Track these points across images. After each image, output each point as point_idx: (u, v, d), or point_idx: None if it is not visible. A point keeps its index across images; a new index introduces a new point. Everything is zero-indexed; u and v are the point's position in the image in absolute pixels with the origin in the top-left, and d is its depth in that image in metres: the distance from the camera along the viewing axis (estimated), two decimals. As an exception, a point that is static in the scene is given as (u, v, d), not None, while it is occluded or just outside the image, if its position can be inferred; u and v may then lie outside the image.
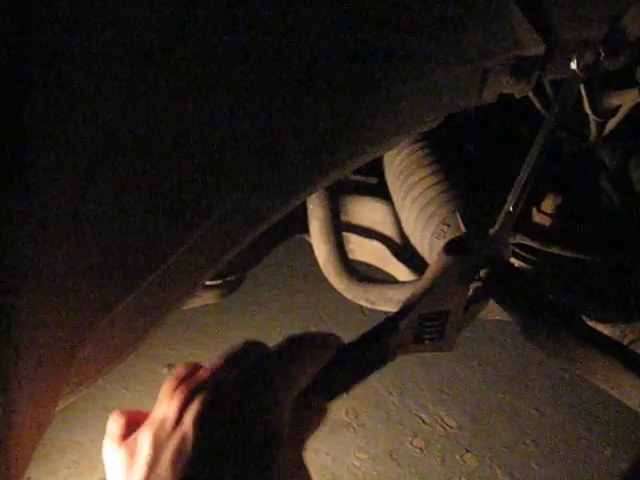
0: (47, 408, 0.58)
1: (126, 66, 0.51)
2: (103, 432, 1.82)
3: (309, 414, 0.68)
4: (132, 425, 0.66)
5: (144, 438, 0.62)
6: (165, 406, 0.64)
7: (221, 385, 0.63)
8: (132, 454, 0.62)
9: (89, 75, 0.49)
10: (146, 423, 0.64)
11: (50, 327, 0.53)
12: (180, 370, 0.70)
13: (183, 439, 0.58)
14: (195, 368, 0.69)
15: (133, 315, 0.71)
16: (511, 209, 0.85)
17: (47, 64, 0.45)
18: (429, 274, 0.81)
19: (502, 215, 0.86)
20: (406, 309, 0.79)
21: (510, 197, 0.86)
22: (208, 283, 1.35)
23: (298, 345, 0.70)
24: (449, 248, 0.82)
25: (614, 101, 1.12)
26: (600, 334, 0.81)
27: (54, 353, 0.55)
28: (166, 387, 0.68)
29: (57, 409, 0.64)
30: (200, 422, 0.59)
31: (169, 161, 0.59)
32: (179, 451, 0.58)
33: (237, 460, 0.58)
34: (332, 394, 0.73)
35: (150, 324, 0.77)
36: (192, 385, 0.64)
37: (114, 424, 0.67)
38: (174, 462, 0.57)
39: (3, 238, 0.45)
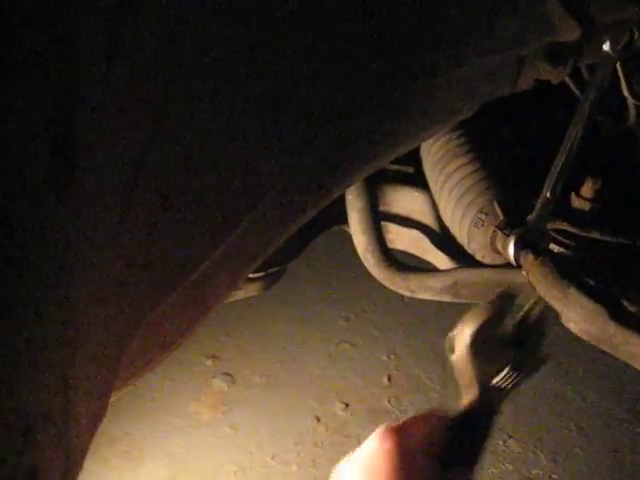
0: (101, 401, 0.60)
1: (169, 70, 0.52)
2: (151, 423, 1.86)
3: None
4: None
5: None
6: None
7: None
8: None
9: (132, 79, 0.50)
10: None
11: (103, 323, 0.55)
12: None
13: None
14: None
15: (180, 309, 0.72)
16: (549, 195, 0.85)
17: (93, 72, 0.47)
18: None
19: (540, 202, 0.86)
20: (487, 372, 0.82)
21: (547, 183, 0.86)
22: (250, 276, 1.37)
23: None
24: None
25: (653, 84, 1.11)
26: (640, 319, 0.81)
27: (106, 348, 0.57)
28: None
29: (110, 402, 0.66)
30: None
31: (212, 160, 0.61)
32: None
33: None
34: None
35: (196, 318, 0.79)
36: None
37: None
38: None
39: (58, 240, 0.47)
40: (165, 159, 0.57)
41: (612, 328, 0.79)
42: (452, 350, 0.90)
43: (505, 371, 0.82)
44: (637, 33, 0.85)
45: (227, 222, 0.68)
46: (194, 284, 0.70)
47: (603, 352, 2.21)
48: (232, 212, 0.67)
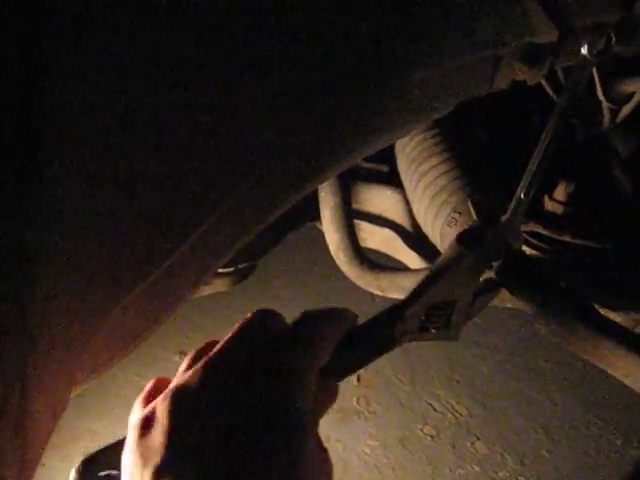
0: (61, 394, 0.59)
1: (139, 57, 0.51)
2: (116, 419, 1.84)
3: (323, 395, 0.64)
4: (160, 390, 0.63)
5: (161, 410, 0.59)
6: (183, 378, 0.61)
7: (236, 364, 0.60)
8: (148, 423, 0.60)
9: (100, 66, 0.49)
10: (164, 393, 0.61)
11: (64, 314, 0.53)
12: (199, 347, 0.68)
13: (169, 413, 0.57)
14: (212, 344, 0.67)
15: (146, 303, 0.71)
16: (522, 196, 0.85)
17: (59, 56, 0.45)
18: (440, 263, 0.81)
19: (513, 202, 0.86)
20: (414, 297, 0.79)
21: (521, 184, 0.86)
22: (220, 271, 1.36)
23: (318, 321, 0.66)
24: (462, 239, 0.82)
25: (628, 88, 1.11)
26: (612, 322, 0.81)
27: (68, 340, 0.56)
28: (185, 360, 0.66)
29: (71, 396, 0.64)
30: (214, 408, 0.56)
31: (181, 150, 0.60)
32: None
33: (262, 449, 0.53)
34: (340, 375, 0.72)
35: (163, 312, 0.77)
36: (208, 362, 0.61)
37: (146, 388, 0.66)
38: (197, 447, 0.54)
39: (19, 228, 0.45)
40: (133, 146, 0.56)
41: (582, 331, 0.78)
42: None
43: (439, 311, 0.80)
44: (614, 38, 0.85)
45: (197, 214, 0.67)
46: (161, 277, 0.68)
47: (573, 357, 2.24)
48: (203, 204, 0.66)
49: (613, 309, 1.13)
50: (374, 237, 1.44)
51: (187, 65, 0.56)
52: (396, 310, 0.78)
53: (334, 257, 1.32)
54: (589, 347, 0.79)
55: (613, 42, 0.84)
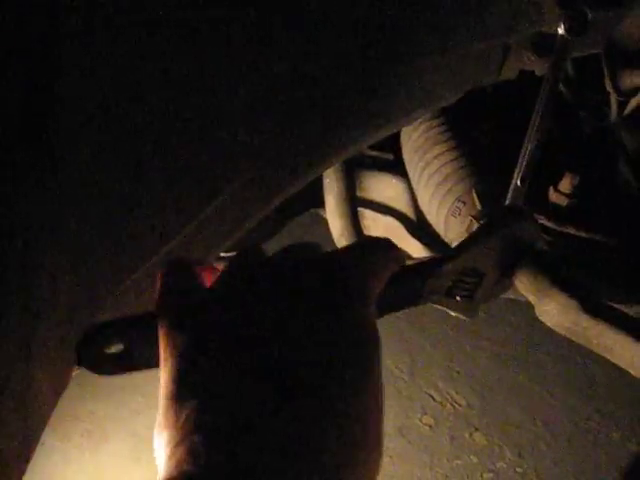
0: (63, 373, 0.59)
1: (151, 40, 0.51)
2: (115, 401, 1.84)
3: None
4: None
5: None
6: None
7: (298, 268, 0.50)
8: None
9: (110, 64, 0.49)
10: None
11: (69, 294, 0.53)
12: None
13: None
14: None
15: (148, 284, 0.71)
16: (519, 184, 0.85)
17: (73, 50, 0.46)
18: (482, 228, 0.80)
19: (511, 191, 0.86)
20: (452, 256, 0.78)
21: (516, 171, 0.86)
22: (223, 255, 1.35)
23: (384, 243, 0.57)
24: (506, 211, 0.82)
25: (636, 80, 1.11)
26: (616, 311, 0.81)
27: (72, 319, 0.56)
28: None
29: (72, 375, 0.65)
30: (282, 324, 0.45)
31: (184, 135, 0.60)
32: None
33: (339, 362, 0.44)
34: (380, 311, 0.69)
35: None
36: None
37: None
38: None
39: (24, 205, 0.45)
40: (140, 130, 0.56)
41: (585, 321, 0.78)
42: None
43: (468, 279, 0.80)
44: (589, 12, 0.84)
45: (201, 197, 0.67)
46: (162, 260, 0.68)
47: (573, 350, 2.24)
48: (209, 185, 0.66)
49: (616, 301, 1.13)
50: (377, 225, 1.44)
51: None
52: (432, 264, 0.76)
53: (337, 244, 1.32)
54: (592, 337, 0.78)
55: (589, 17, 0.83)
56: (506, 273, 0.85)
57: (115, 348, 0.51)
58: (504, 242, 0.80)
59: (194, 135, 0.62)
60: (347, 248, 0.60)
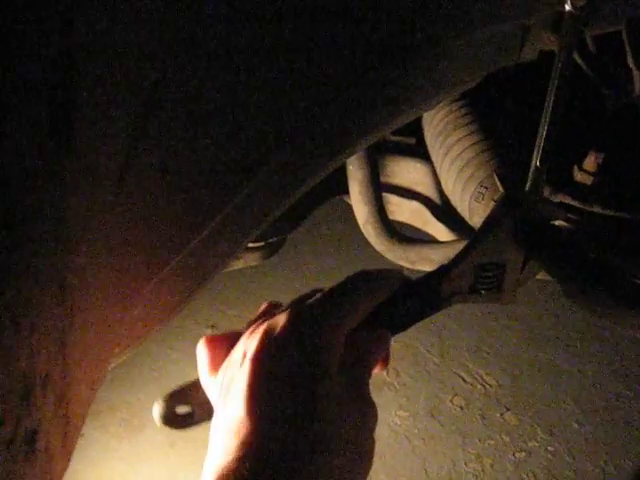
0: (100, 366, 0.61)
1: (170, 29, 0.52)
2: (150, 391, 1.87)
3: (370, 345, 0.70)
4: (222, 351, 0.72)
5: (222, 372, 0.69)
6: (242, 342, 0.69)
7: (275, 324, 0.67)
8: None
9: (132, 37, 0.50)
10: (228, 357, 0.70)
11: (102, 289, 0.55)
12: (261, 309, 0.76)
13: (244, 375, 0.63)
14: (272, 307, 0.75)
15: (180, 276, 0.72)
16: (538, 164, 0.85)
17: (92, 27, 0.46)
18: (483, 225, 0.82)
19: (531, 172, 0.86)
20: (459, 257, 0.80)
21: (535, 152, 0.86)
22: (250, 245, 1.37)
23: (356, 281, 0.73)
24: (502, 201, 0.83)
25: (660, 54, 1.09)
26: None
27: (106, 314, 0.57)
28: (248, 325, 0.73)
29: (109, 368, 0.66)
30: (255, 359, 0.64)
31: (213, 123, 0.60)
32: (245, 387, 0.62)
33: (288, 394, 0.61)
34: (394, 329, 0.76)
35: (195, 285, 0.79)
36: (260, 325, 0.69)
37: (202, 356, 0.73)
38: (241, 398, 0.62)
39: (55, 201, 0.46)
40: (164, 126, 0.57)
41: (611, 299, 0.79)
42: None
43: (488, 273, 0.82)
44: None
45: (227, 189, 0.68)
46: (193, 252, 0.70)
47: (603, 328, 2.23)
48: (232, 179, 0.67)
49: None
50: (402, 210, 1.44)
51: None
52: (442, 271, 0.79)
53: (363, 230, 1.33)
54: (621, 316, 0.79)
55: None
56: (532, 256, 0.85)
57: (183, 410, 0.74)
58: (512, 231, 0.81)
59: (218, 127, 0.63)
60: (330, 292, 0.72)
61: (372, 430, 0.67)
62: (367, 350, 0.69)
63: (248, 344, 0.67)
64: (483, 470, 1.91)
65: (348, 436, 0.63)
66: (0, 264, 0.41)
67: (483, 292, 0.83)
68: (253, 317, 0.74)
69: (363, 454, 0.65)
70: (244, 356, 0.66)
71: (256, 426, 0.60)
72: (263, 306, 0.76)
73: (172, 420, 0.74)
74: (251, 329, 0.70)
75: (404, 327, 0.77)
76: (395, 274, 0.76)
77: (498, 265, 0.82)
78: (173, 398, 0.74)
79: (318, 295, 0.71)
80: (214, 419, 0.67)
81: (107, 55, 0.48)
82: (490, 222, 0.82)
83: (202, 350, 0.73)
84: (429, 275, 0.80)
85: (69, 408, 0.51)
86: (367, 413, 0.66)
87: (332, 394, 0.62)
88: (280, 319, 0.67)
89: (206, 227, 0.67)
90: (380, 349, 0.71)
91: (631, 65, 1.11)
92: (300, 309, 0.68)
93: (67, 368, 0.49)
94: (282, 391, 0.62)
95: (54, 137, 0.45)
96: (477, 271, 0.81)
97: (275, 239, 1.40)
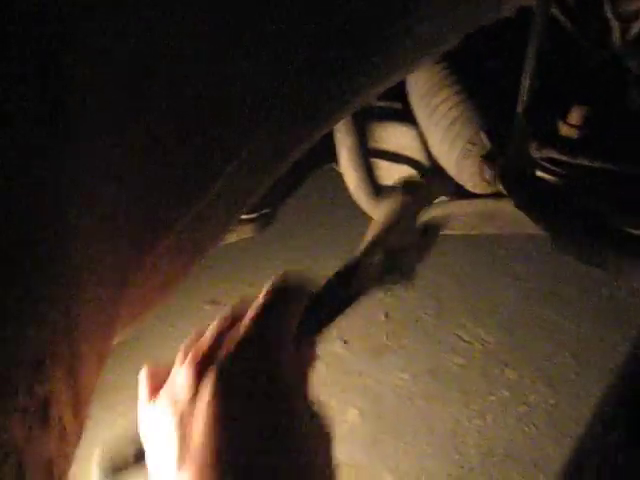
0: (104, 342, 0.62)
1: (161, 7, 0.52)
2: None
3: (305, 357, 0.72)
4: (160, 382, 0.73)
5: (165, 412, 0.67)
6: (180, 375, 0.69)
7: (230, 355, 0.67)
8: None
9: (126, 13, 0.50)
10: (165, 390, 0.70)
11: (102, 263, 0.56)
12: (192, 337, 0.76)
13: (207, 412, 0.61)
14: (199, 335, 0.76)
15: (176, 252, 0.73)
16: (521, 115, 0.86)
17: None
18: (385, 218, 0.85)
19: (516, 126, 0.87)
20: (365, 251, 0.84)
21: (518, 106, 0.87)
22: (243, 217, 1.38)
23: (282, 297, 0.73)
24: (399, 186, 0.86)
25: (637, 3, 1.10)
26: (633, 236, 0.82)
27: (107, 288, 0.59)
28: (180, 353, 0.74)
29: (113, 343, 0.68)
30: (219, 394, 0.62)
31: (201, 96, 0.61)
32: (208, 425, 0.60)
33: (264, 422, 0.61)
34: (314, 332, 0.78)
35: (192, 260, 0.80)
36: (199, 353, 0.70)
37: (142, 385, 0.74)
38: (207, 435, 0.60)
39: (51, 173, 0.47)
40: (155, 100, 0.57)
41: (602, 248, 0.80)
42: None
43: (378, 259, 0.85)
44: None
45: (220, 159, 0.69)
46: (190, 225, 0.71)
47: (599, 282, 2.25)
48: (224, 151, 0.68)
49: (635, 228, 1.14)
50: (392, 174, 1.45)
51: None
52: (346, 270, 0.83)
53: (354, 196, 1.34)
54: (611, 264, 0.80)
55: None
56: (428, 232, 0.89)
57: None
58: (406, 219, 0.84)
59: (206, 99, 0.63)
60: (266, 311, 0.72)
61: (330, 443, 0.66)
62: (303, 363, 0.71)
63: (191, 378, 0.66)
64: (486, 425, 1.95)
65: (318, 462, 0.62)
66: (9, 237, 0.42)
67: (387, 278, 0.86)
68: (182, 348, 0.75)
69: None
70: (194, 392, 0.65)
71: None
72: (192, 336, 0.77)
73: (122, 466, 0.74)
74: (183, 358, 0.71)
75: (322, 328, 0.80)
76: (304, 280, 0.77)
77: (399, 250, 0.85)
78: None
79: (254, 316, 0.71)
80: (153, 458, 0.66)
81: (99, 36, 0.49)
82: (393, 213, 0.85)
83: (142, 380, 0.74)
84: (335, 277, 0.83)
85: (78, 381, 0.52)
86: (324, 428, 0.66)
87: (301, 410, 0.63)
88: (227, 359, 0.66)
89: (202, 199, 0.68)
90: (312, 357, 0.73)
91: (608, 15, 1.12)
92: (248, 335, 0.68)
93: (73, 340, 0.50)
94: (260, 421, 0.61)
95: (45, 114, 0.45)
96: (384, 259, 0.84)
97: (267, 210, 1.41)
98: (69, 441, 0.50)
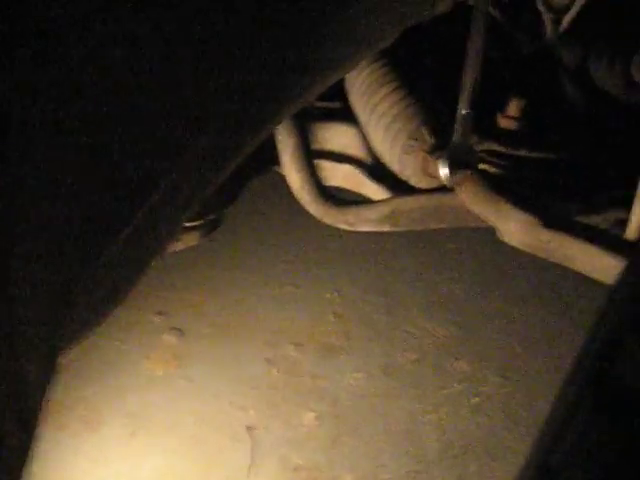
0: (49, 361, 0.60)
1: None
2: (104, 385, 1.85)
3: None
4: None
5: None
6: None
7: None
8: None
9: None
10: None
11: (43, 279, 0.54)
12: None
13: None
14: None
15: (119, 264, 0.72)
16: (464, 111, 0.87)
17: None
18: None
19: (458, 119, 0.88)
20: None
21: (460, 99, 0.87)
22: (188, 225, 1.36)
23: None
24: None
25: (567, -4, 1.12)
26: (573, 222, 0.84)
27: (49, 305, 0.57)
28: None
29: (61, 362, 0.66)
30: None
31: (140, 101, 0.60)
32: None
33: None
34: None
35: (138, 272, 0.78)
36: None
37: None
38: None
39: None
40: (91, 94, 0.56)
41: (546, 235, 0.81)
42: None
43: None
44: None
45: (164, 161, 0.68)
46: (133, 235, 0.69)
47: (545, 271, 2.29)
48: (167, 153, 0.67)
49: (574, 215, 1.17)
50: (335, 174, 1.45)
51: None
52: None
53: (298, 198, 1.33)
54: (554, 249, 0.81)
55: None
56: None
57: None
58: None
59: (146, 106, 0.62)
60: None
61: None
62: None
63: None
64: (440, 419, 1.96)
65: None
66: None
67: None
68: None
69: None
70: None
71: None
72: None
73: None
74: None
75: None
76: None
77: None
78: None
79: None
80: None
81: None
82: None
83: None
84: None
85: (24, 406, 0.50)
86: None
87: None
88: None
89: (144, 204, 0.66)
90: None
91: (541, 9, 1.14)
92: None
93: (18, 363, 0.48)
94: None
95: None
96: None
97: (212, 217, 1.40)
98: (14, 469, 0.48)
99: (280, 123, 1.17)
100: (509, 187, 0.84)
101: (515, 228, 0.85)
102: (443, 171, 1.04)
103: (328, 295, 2.30)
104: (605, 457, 0.59)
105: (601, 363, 0.59)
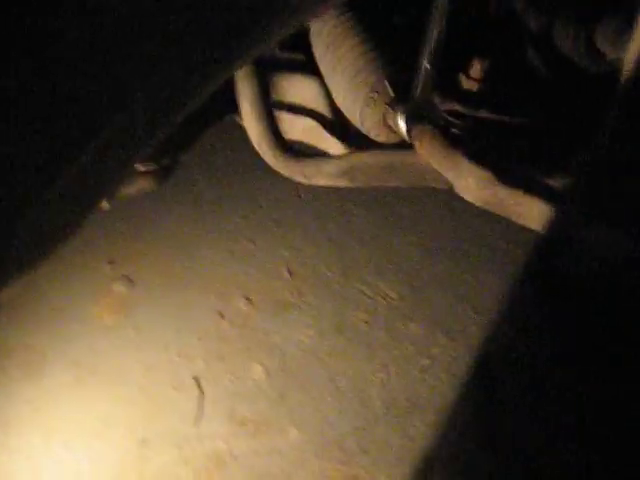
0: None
1: None
2: (51, 333, 1.83)
3: None
4: None
5: None
6: None
7: None
8: None
9: None
10: None
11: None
12: None
13: None
14: None
15: (66, 200, 0.70)
16: (428, 66, 0.86)
17: None
18: None
19: (420, 74, 0.87)
20: None
21: (423, 54, 0.86)
22: (142, 169, 1.34)
23: None
24: None
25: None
26: (529, 179, 0.84)
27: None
28: None
29: (3, 299, 0.64)
30: None
31: (94, 32, 0.58)
32: None
33: None
34: None
35: (84, 210, 0.77)
36: None
37: None
38: None
39: None
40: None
41: (502, 191, 0.81)
42: None
43: None
44: None
45: (117, 98, 0.66)
46: (82, 171, 0.67)
47: (497, 237, 2.31)
48: (121, 89, 0.65)
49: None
50: (295, 128, 1.43)
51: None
52: None
53: (257, 148, 1.31)
54: (509, 206, 0.81)
55: None
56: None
57: None
58: None
59: (97, 43, 0.60)
60: None
61: None
62: None
63: None
64: (389, 378, 1.98)
65: None
66: None
67: None
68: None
69: None
70: None
71: None
72: None
73: None
74: None
75: None
76: None
77: None
78: None
79: None
80: None
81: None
82: None
83: None
84: None
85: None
86: None
87: None
88: None
89: (97, 136, 0.65)
90: None
91: (509, -31, 1.13)
92: None
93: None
94: None
95: None
96: None
97: (167, 161, 1.37)
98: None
99: (238, 69, 1.15)
100: (468, 143, 0.84)
101: (472, 183, 0.85)
102: (402, 124, 1.03)
103: (284, 252, 2.30)
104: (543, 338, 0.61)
105: (542, 257, 0.61)
